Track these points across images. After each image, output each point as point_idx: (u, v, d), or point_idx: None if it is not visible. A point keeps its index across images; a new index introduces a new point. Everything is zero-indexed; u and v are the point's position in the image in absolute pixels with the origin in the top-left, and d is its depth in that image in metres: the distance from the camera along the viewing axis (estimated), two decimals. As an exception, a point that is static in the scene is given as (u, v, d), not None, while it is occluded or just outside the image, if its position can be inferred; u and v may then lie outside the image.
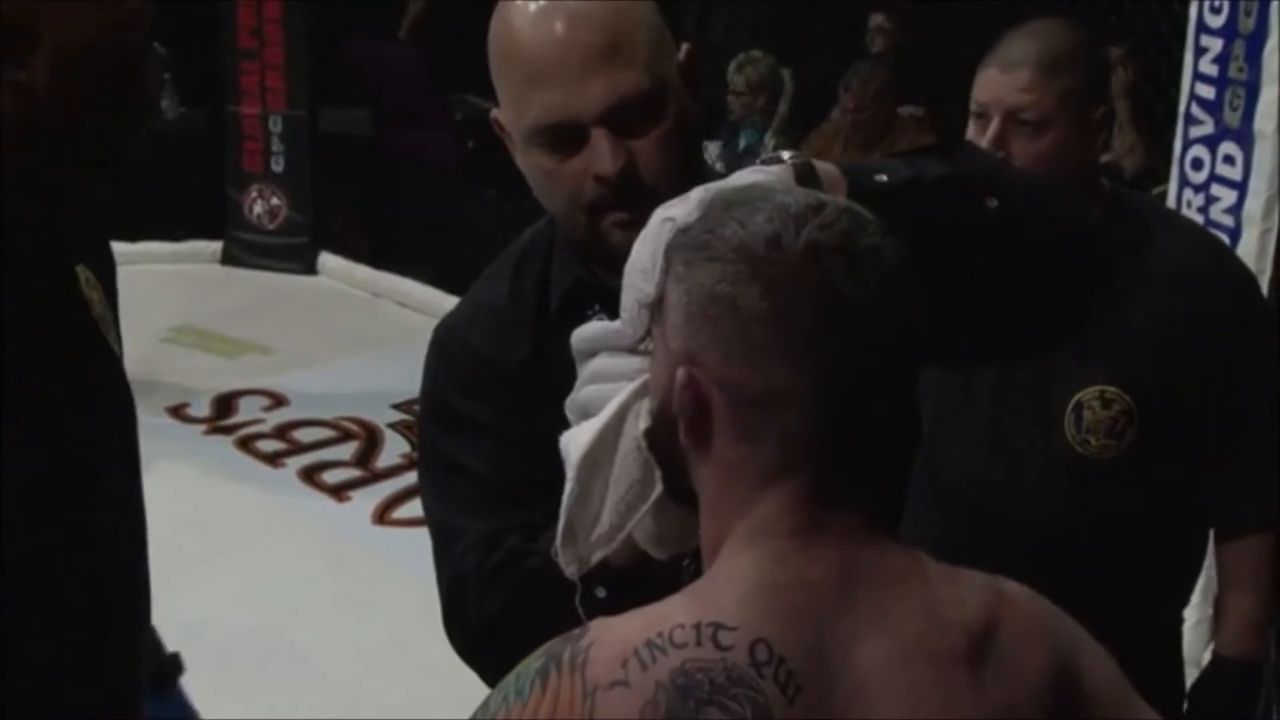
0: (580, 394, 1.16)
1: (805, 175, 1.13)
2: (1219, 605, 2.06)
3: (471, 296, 1.50)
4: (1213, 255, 1.99)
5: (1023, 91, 1.82)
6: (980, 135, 1.85)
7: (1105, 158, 4.94)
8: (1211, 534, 2.03)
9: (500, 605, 1.35)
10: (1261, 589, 1.98)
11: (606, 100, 1.28)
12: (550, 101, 1.28)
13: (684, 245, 1.01)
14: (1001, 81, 1.84)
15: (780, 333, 0.96)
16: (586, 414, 1.15)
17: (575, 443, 1.14)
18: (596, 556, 1.16)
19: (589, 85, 1.27)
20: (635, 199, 1.28)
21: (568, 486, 1.14)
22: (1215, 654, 2.04)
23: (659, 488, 1.11)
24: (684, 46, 1.37)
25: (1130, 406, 1.83)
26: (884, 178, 1.18)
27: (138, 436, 1.42)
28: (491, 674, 1.35)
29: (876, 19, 6.08)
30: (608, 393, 1.13)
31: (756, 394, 0.97)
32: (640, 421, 1.11)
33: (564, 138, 1.30)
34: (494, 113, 1.37)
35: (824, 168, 1.16)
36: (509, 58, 1.32)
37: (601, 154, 1.28)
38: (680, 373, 0.99)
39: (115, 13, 1.23)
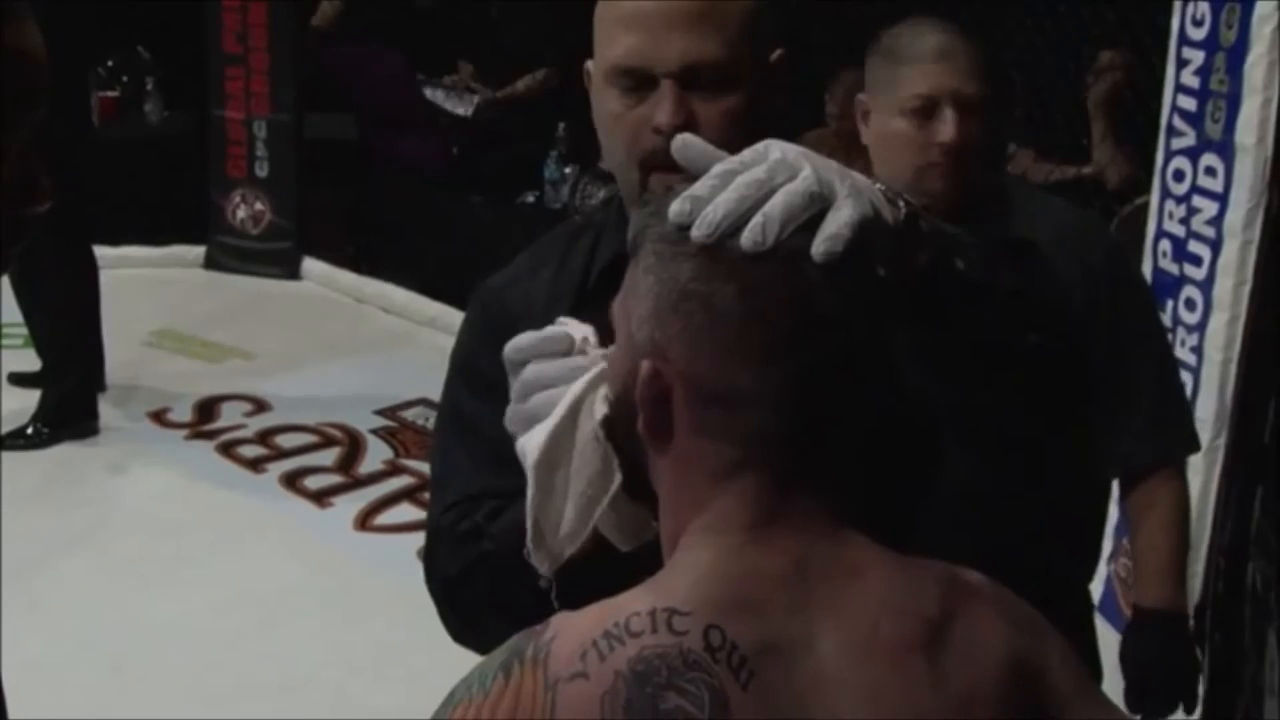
0: (527, 404, 1.17)
1: (911, 219, 1.09)
2: (1134, 555, 2.07)
3: (520, 262, 1.56)
4: (1077, 214, 2.05)
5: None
6: None
7: (1086, 170, 4.94)
8: (1116, 487, 2.04)
9: (456, 570, 1.42)
10: (1173, 532, 1.99)
11: (684, 58, 1.36)
12: (634, 44, 1.37)
13: (659, 236, 1.00)
14: None
15: (751, 336, 0.96)
16: (534, 422, 1.16)
17: (531, 444, 1.14)
18: (568, 551, 1.17)
19: (671, 39, 1.36)
20: None
21: (529, 490, 1.15)
22: (1135, 606, 2.03)
23: (619, 476, 1.11)
24: (778, 50, 1.44)
25: None
26: (962, 265, 1.16)
27: None
28: (454, 628, 1.46)
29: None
30: (555, 397, 1.14)
31: (720, 392, 0.97)
32: (597, 411, 1.11)
33: (637, 82, 1.38)
34: (587, 64, 1.46)
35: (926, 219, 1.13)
36: (615, 1, 1.41)
37: (665, 104, 1.36)
38: (645, 365, 0.99)
39: None
